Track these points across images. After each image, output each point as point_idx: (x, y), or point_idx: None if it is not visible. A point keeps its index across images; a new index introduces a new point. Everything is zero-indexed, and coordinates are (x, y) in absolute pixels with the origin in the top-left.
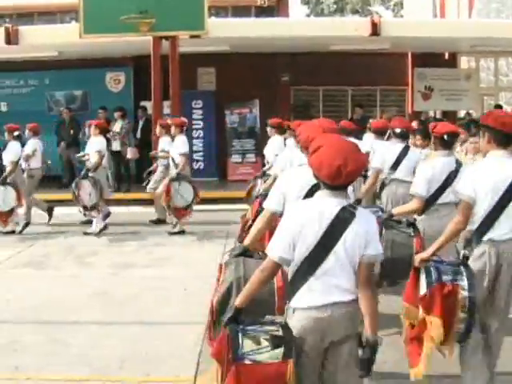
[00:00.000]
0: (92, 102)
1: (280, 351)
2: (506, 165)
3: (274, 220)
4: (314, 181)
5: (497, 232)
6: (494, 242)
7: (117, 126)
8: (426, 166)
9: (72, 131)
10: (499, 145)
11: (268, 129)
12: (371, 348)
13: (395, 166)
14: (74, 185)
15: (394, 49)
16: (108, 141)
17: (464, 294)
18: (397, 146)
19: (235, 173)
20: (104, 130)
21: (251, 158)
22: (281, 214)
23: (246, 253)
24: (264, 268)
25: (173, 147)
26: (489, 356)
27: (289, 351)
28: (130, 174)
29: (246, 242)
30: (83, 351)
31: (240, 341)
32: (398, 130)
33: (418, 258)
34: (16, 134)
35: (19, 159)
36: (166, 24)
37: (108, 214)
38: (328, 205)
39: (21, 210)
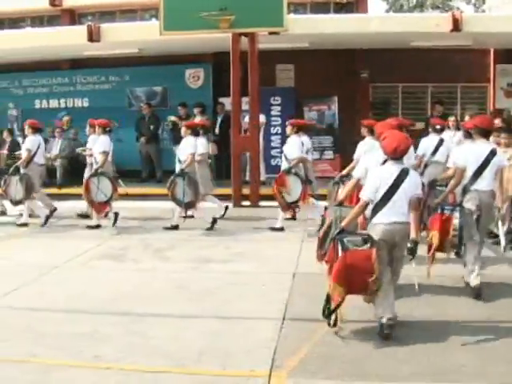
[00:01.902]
0: (171, 98)
1: (368, 245)
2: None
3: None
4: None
5: (479, 185)
6: (478, 191)
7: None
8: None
9: (152, 127)
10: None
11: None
12: (414, 242)
13: (434, 152)
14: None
15: (475, 45)
16: None
17: (456, 220)
18: (435, 138)
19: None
20: (108, 129)
21: (329, 154)
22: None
23: (341, 204)
24: (359, 205)
25: (95, 145)
26: (478, 247)
27: (372, 244)
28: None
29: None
30: (162, 343)
31: (345, 242)
32: (438, 126)
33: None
34: (107, 128)
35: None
36: (245, 21)
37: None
38: (393, 168)
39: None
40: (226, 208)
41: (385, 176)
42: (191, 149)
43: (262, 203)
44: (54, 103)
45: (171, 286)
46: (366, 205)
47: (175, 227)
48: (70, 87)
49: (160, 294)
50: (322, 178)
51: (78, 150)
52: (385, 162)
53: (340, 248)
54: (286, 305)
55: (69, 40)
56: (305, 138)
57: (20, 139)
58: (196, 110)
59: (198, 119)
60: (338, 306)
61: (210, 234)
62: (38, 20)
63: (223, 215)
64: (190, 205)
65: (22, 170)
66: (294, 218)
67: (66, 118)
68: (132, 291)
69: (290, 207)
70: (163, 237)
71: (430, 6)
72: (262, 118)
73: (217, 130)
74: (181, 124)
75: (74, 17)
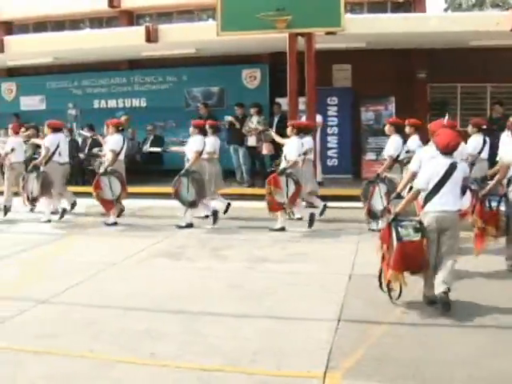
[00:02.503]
0: (228, 98)
1: (419, 234)
2: None
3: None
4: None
5: None
6: None
7: (252, 122)
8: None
9: None
10: None
11: (388, 127)
12: None
13: (480, 151)
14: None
15: None
16: (244, 136)
17: (503, 211)
18: (480, 138)
19: (369, 171)
20: (120, 129)
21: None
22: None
23: (400, 196)
24: (412, 193)
25: (106, 144)
26: None
27: (424, 233)
28: (265, 169)
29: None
30: (217, 342)
31: (399, 229)
32: (483, 127)
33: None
34: (120, 128)
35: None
36: (302, 21)
37: None
38: (444, 161)
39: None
40: (229, 205)
41: (436, 168)
42: (197, 147)
43: None
44: (112, 103)
45: (227, 284)
46: (418, 193)
47: (190, 225)
48: (128, 87)
49: (215, 293)
50: None
51: (95, 150)
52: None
53: (395, 235)
54: (341, 306)
55: (127, 41)
56: (307, 139)
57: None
58: (252, 111)
59: (254, 119)
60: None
61: (268, 235)
62: (97, 21)
63: (225, 212)
64: (193, 203)
65: (41, 168)
66: (289, 217)
67: (124, 117)
68: (188, 289)
69: (280, 207)
70: (220, 236)
71: (490, 4)
72: (319, 119)
73: (273, 130)
74: (238, 124)
75: (132, 18)
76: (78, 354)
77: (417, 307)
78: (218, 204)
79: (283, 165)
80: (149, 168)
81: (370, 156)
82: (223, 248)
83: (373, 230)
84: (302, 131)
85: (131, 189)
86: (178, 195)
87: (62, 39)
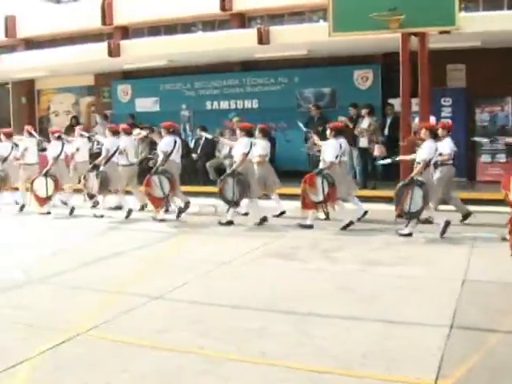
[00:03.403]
0: (340, 100)
1: None
2: None
3: None
4: None
5: None
6: None
7: (364, 123)
8: None
9: (320, 128)
10: None
11: (424, 131)
12: None
13: None
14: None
15: None
16: (355, 137)
17: None
18: None
19: (484, 173)
20: (175, 131)
21: (501, 158)
22: None
23: None
24: None
25: (158, 145)
26: None
27: None
28: (377, 170)
29: None
30: (326, 343)
31: None
32: None
33: None
34: (171, 130)
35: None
36: (415, 20)
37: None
38: None
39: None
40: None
41: None
42: (243, 149)
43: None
44: (224, 104)
45: (337, 286)
46: None
47: (230, 223)
48: (240, 89)
49: (325, 295)
50: (492, 182)
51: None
52: None
53: None
54: (454, 312)
55: (239, 43)
56: (342, 141)
57: (192, 139)
58: (364, 111)
59: (366, 121)
60: None
61: (378, 236)
62: (209, 24)
63: (278, 215)
64: (235, 203)
65: (101, 168)
66: (327, 217)
67: (236, 118)
68: (298, 290)
69: (316, 206)
70: (332, 237)
71: None
72: (432, 120)
73: (386, 132)
74: (351, 125)
75: (243, 20)
76: (187, 350)
77: None
78: (274, 205)
79: (321, 166)
80: None
81: (486, 158)
82: (334, 250)
83: (401, 235)
84: (340, 133)
85: None
86: (223, 194)
87: (176, 42)
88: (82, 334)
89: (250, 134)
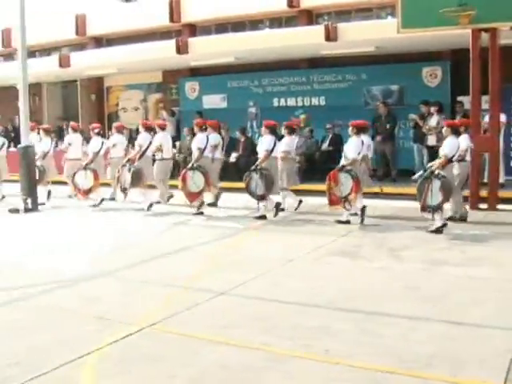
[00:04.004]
0: (408, 97)
1: None
2: None
3: None
4: None
5: None
6: None
7: (433, 121)
8: None
9: (388, 125)
10: None
11: (445, 129)
12: None
13: None
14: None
15: None
16: (424, 135)
17: None
18: None
19: None
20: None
21: None
22: None
23: None
24: None
25: (193, 143)
26: None
27: None
28: None
29: None
30: (390, 343)
31: None
32: None
33: None
34: (204, 127)
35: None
36: (486, 16)
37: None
38: None
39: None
40: (300, 202)
41: None
42: (266, 146)
43: (500, 206)
44: (291, 101)
45: (402, 286)
46: None
47: (263, 217)
48: (307, 86)
49: (390, 294)
50: None
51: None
52: None
53: None
54: None
55: (306, 40)
56: (365, 138)
57: (258, 137)
58: (432, 109)
59: (434, 118)
60: None
61: (445, 236)
62: (276, 21)
63: (296, 208)
64: (262, 197)
65: (135, 163)
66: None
67: (303, 116)
68: (362, 289)
69: (341, 201)
70: (398, 236)
71: None
72: (503, 118)
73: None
74: (422, 122)
75: (311, 17)
76: (251, 346)
77: None
78: (290, 200)
79: (342, 162)
80: (326, 166)
81: None
82: (400, 248)
83: (431, 232)
84: (361, 131)
85: (312, 186)
86: (249, 189)
87: (243, 39)
88: (148, 328)
89: (273, 131)
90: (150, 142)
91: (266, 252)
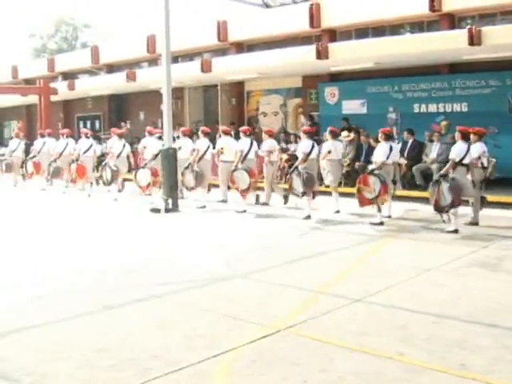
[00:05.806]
0: None
1: None
2: None
3: None
4: None
5: None
6: None
7: None
8: None
9: None
10: None
11: (456, 134)
12: None
13: None
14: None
15: None
16: None
17: None
18: None
19: None
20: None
21: None
22: None
23: None
24: None
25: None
26: None
27: None
28: None
29: None
30: None
31: None
32: None
33: None
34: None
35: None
36: None
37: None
38: None
39: None
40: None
41: None
42: (304, 149)
43: None
44: (432, 107)
45: None
46: None
47: (308, 217)
48: (448, 92)
49: None
50: None
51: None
52: None
53: None
54: None
55: (448, 44)
56: (392, 143)
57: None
58: None
59: None
60: None
61: None
62: (417, 26)
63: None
64: (303, 194)
65: (195, 166)
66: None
67: (444, 122)
68: (504, 303)
69: (371, 202)
70: None
71: None
72: None
73: None
74: None
75: (453, 21)
76: (386, 355)
77: None
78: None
79: (372, 166)
80: None
81: None
82: None
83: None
84: (389, 137)
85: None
86: (291, 189)
87: (383, 44)
88: (284, 330)
89: (311, 136)
90: (209, 146)
91: (402, 260)
